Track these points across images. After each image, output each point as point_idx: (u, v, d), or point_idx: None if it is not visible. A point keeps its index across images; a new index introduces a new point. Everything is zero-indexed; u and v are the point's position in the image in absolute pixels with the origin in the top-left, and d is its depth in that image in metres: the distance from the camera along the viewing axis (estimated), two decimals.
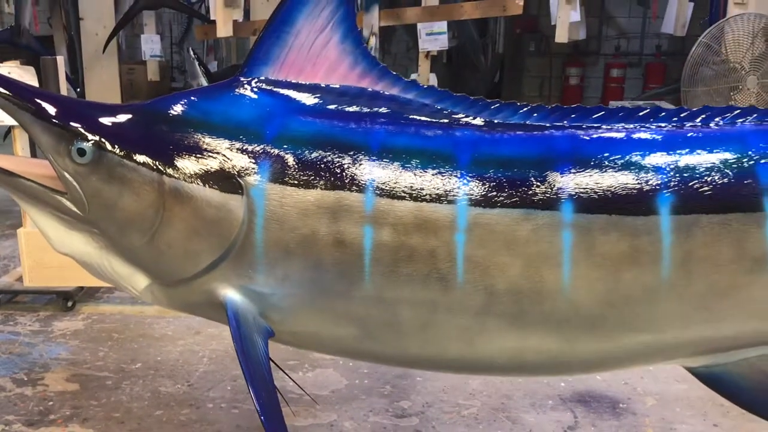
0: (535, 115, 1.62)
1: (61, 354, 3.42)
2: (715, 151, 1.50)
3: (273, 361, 1.83)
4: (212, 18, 5.24)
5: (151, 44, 6.75)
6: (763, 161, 1.47)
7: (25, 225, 3.89)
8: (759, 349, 1.69)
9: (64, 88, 4.02)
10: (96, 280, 3.83)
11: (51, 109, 1.60)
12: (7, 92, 1.60)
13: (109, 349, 3.47)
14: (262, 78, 1.66)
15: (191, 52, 6.39)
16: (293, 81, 1.65)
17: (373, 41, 4.54)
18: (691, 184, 1.47)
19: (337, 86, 1.65)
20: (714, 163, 1.48)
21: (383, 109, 1.61)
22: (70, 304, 3.87)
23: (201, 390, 3.10)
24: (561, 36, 5.44)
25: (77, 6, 6.36)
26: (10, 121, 3.53)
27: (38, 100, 1.61)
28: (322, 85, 1.65)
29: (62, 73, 3.99)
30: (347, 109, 1.61)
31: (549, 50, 7.93)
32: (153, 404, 2.99)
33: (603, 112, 1.61)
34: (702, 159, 1.49)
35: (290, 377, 2.39)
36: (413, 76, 5.86)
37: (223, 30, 4.69)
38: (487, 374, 2.92)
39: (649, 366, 1.92)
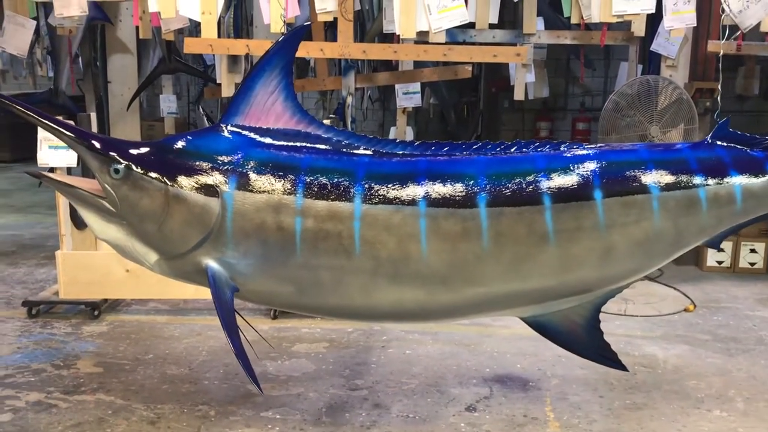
0: (408, 147, 2.48)
1: (89, 348, 4.25)
2: (515, 167, 2.35)
3: (238, 313, 2.65)
4: (218, 81, 6.21)
5: (168, 103, 7.75)
6: (542, 173, 2.32)
7: (62, 248, 4.77)
8: (567, 301, 2.50)
9: None
10: (117, 293, 4.72)
11: (98, 144, 2.48)
12: (72, 134, 2.49)
13: (127, 346, 4.29)
14: (233, 124, 2.53)
15: (201, 110, 7.36)
16: (253, 126, 2.51)
17: (350, 99, 5.44)
18: (498, 188, 2.32)
19: (281, 129, 2.52)
20: (513, 174, 2.33)
21: (309, 144, 2.48)
22: (96, 313, 4.71)
23: (199, 372, 3.91)
24: (519, 94, 6.24)
25: (106, 71, 7.38)
26: (54, 162, 4.48)
27: (90, 139, 2.49)
28: (272, 128, 2.52)
29: (94, 126, 4.93)
30: (287, 143, 2.48)
31: (521, 107, 8.88)
32: (161, 381, 3.80)
33: (451, 146, 2.47)
34: (506, 172, 2.34)
35: (254, 328, 3.12)
36: (392, 129, 6.78)
37: (227, 91, 5.61)
38: (381, 321, 3.83)
39: (494, 314, 2.70)
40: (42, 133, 4.53)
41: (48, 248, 6.50)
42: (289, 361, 4.06)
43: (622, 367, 2.76)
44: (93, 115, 5.01)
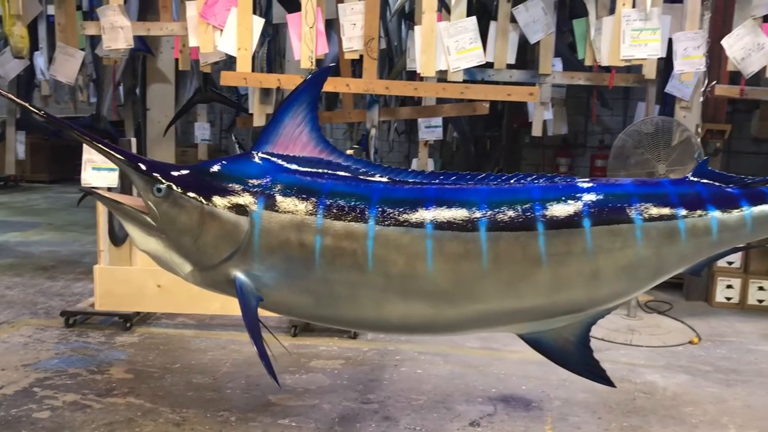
0: (419, 176, 2.77)
1: (121, 357, 4.55)
2: (513, 196, 2.62)
3: (264, 325, 2.93)
4: (251, 111, 6.57)
5: (202, 131, 8.15)
6: (537, 203, 2.58)
7: (99, 263, 5.11)
8: (559, 320, 2.75)
9: None
10: (148, 306, 5.04)
11: (143, 166, 2.80)
12: (121, 156, 2.81)
13: (156, 355, 4.59)
14: (263, 151, 2.83)
15: (233, 137, 7.73)
16: (281, 153, 2.82)
17: (373, 132, 5.76)
18: (497, 214, 2.58)
19: (306, 156, 2.82)
20: (511, 203, 2.60)
21: (331, 171, 2.77)
22: (128, 325, 5.01)
23: (222, 382, 4.18)
24: (536, 131, 6.51)
25: (145, 99, 7.80)
26: (96, 182, 4.81)
27: (137, 161, 2.81)
28: (298, 156, 2.82)
29: (134, 150, 5.28)
30: (310, 169, 2.77)
31: (542, 142, 9.15)
32: (187, 388, 4.08)
33: (458, 176, 2.75)
34: (504, 200, 2.61)
35: (277, 339, 3.39)
36: (414, 161, 7.07)
37: (259, 120, 5.96)
38: (392, 333, 4.14)
39: (493, 330, 2.94)
40: (86, 155, 4.90)
41: (84, 264, 6.86)
42: (306, 375, 4.31)
43: (609, 383, 2.97)
44: (133, 141, 5.38)
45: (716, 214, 2.68)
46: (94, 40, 6.23)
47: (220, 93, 7.94)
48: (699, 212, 2.67)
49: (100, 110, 7.41)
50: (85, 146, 4.84)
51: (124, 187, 5.07)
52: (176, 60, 6.79)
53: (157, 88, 7.77)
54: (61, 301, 5.65)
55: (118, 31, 5.20)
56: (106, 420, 3.65)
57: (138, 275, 5.05)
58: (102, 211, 5.09)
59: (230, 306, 4.88)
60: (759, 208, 2.71)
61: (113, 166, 4.83)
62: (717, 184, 2.76)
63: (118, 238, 5.37)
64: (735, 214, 2.69)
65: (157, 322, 5.22)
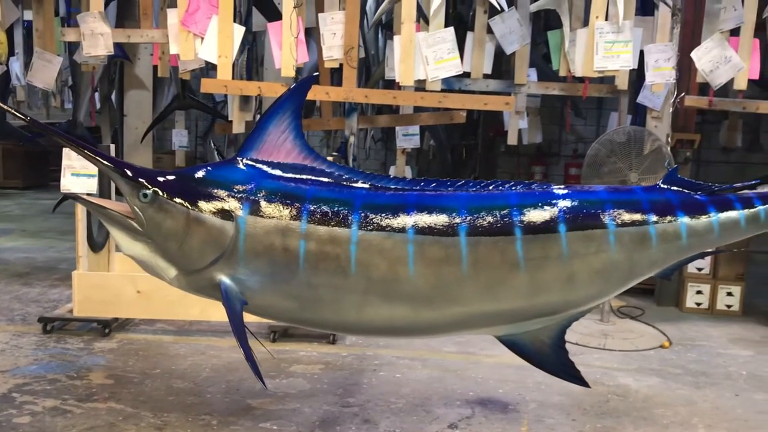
0: (400, 182, 2.84)
1: (100, 362, 4.55)
2: (491, 202, 2.71)
3: (247, 328, 2.98)
4: (230, 118, 6.61)
5: (180, 137, 8.15)
6: (515, 209, 2.68)
7: (78, 269, 5.11)
8: (536, 322, 2.84)
9: None
10: (127, 312, 5.05)
11: (129, 172, 2.84)
12: (108, 162, 2.85)
13: (135, 361, 4.59)
14: (249, 158, 2.89)
15: (212, 144, 7.76)
16: (265, 160, 2.88)
17: (352, 139, 5.83)
18: (476, 220, 2.67)
19: (290, 163, 2.88)
20: (490, 209, 2.69)
21: (314, 177, 2.83)
22: (107, 331, 5.01)
23: (203, 386, 4.21)
24: (512, 139, 6.62)
25: (122, 105, 7.80)
26: (75, 188, 4.82)
27: (123, 167, 2.85)
28: (282, 162, 2.88)
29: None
30: (294, 176, 2.83)
31: (517, 151, 9.30)
32: (168, 393, 4.10)
33: (438, 183, 2.83)
34: (483, 206, 2.70)
35: (261, 342, 3.44)
36: (392, 168, 7.15)
37: (238, 127, 5.99)
38: (374, 335, 4.18)
39: (472, 332, 3.03)
40: (66, 161, 4.90)
41: (60, 270, 6.83)
42: (286, 380, 4.35)
43: (584, 384, 3.07)
44: (112, 146, 5.38)
45: (685, 220, 2.79)
46: (72, 46, 6.22)
47: (198, 100, 7.96)
48: (669, 218, 2.78)
49: (77, 116, 7.38)
50: (64, 152, 4.84)
51: (103, 192, 5.08)
52: (155, 66, 6.81)
53: (135, 94, 7.78)
54: (38, 308, 5.62)
55: (98, 38, 5.21)
56: (88, 425, 3.66)
57: (117, 281, 5.06)
58: (81, 217, 5.09)
59: (210, 312, 4.92)
60: (725, 215, 2.84)
61: (92, 172, 4.91)
62: (686, 191, 2.88)
63: (96, 244, 5.38)
64: (703, 220, 2.81)
65: (135, 328, 5.23)
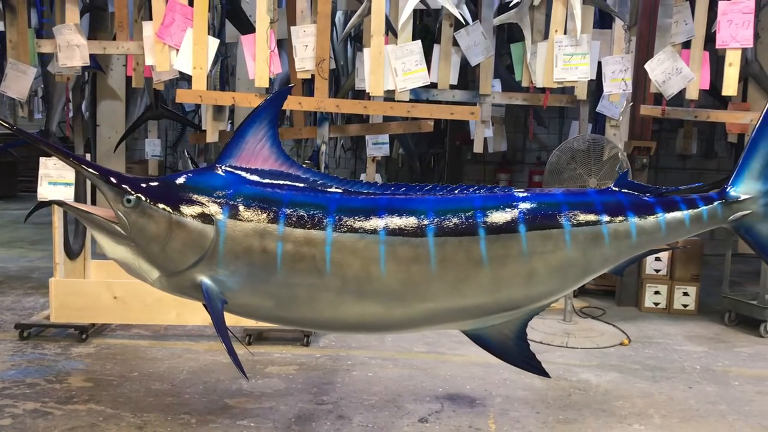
0: (372, 187, 3.03)
1: (78, 366, 4.64)
2: (457, 205, 2.91)
3: (228, 329, 3.12)
4: (203, 128, 6.73)
5: (153, 147, 8.25)
6: (479, 211, 2.88)
7: (55, 276, 5.19)
8: (499, 317, 3.04)
9: None
10: (105, 318, 5.14)
11: (114, 179, 2.98)
12: (94, 171, 2.99)
13: (113, 365, 4.70)
14: (227, 165, 3.05)
15: (186, 153, 7.86)
16: (244, 166, 3.04)
17: (323, 148, 6.00)
18: (443, 221, 2.86)
19: (267, 169, 3.05)
20: (455, 211, 2.89)
21: (290, 182, 3.01)
22: (84, 336, 5.10)
23: (181, 388, 4.33)
24: (478, 147, 6.82)
25: (95, 115, 7.87)
26: (52, 196, 4.91)
27: (108, 175, 2.99)
28: (259, 169, 3.04)
29: None
30: (271, 181, 3.00)
31: (483, 159, 9.56)
32: (146, 395, 4.22)
33: (407, 188, 3.02)
34: (449, 209, 2.90)
35: (241, 341, 3.62)
36: (362, 176, 7.33)
37: (211, 137, 6.12)
38: (348, 332, 4.45)
39: (440, 327, 3.22)
40: (43, 170, 5.00)
41: (34, 279, 6.88)
42: (262, 380, 4.49)
43: (544, 374, 3.27)
44: (87, 155, 5.49)
45: (635, 219, 3.03)
46: (45, 57, 6.29)
47: (171, 109, 8.06)
48: (620, 218, 3.01)
49: (50, 126, 7.40)
50: (41, 161, 4.95)
51: (79, 200, 5.18)
52: (128, 77, 6.90)
53: (108, 104, 7.87)
54: (13, 315, 5.68)
55: (74, 50, 5.32)
56: (69, 425, 3.76)
57: (93, 287, 5.15)
58: (57, 225, 5.18)
59: (186, 316, 5.05)
60: (671, 215, 3.08)
61: (69, 180, 5.01)
62: (636, 193, 3.12)
63: (73, 251, 5.47)
64: (651, 219, 3.04)
65: (112, 333, 5.32)
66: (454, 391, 4.42)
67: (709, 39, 5.40)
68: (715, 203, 3.13)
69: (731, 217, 3.15)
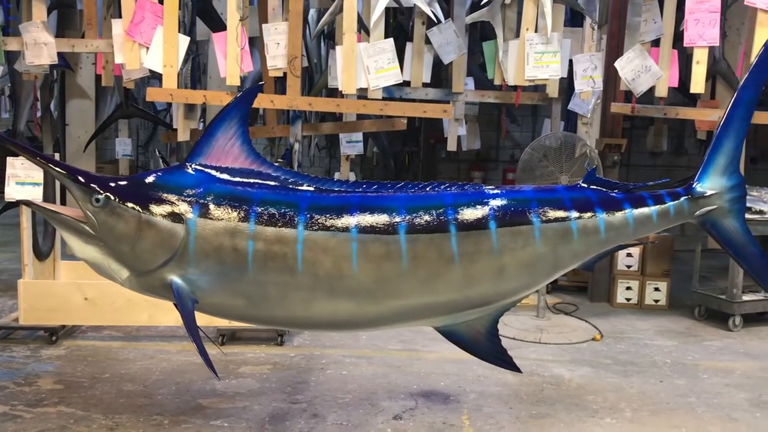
0: (344, 185, 3.03)
1: (48, 369, 4.58)
2: (428, 202, 2.92)
3: (200, 328, 3.10)
4: (174, 126, 6.67)
5: (123, 146, 8.15)
6: (450, 208, 2.89)
7: (24, 277, 5.11)
8: (471, 313, 3.05)
9: None
10: (76, 319, 5.07)
11: (82, 178, 2.94)
12: (62, 170, 2.95)
13: (84, 366, 4.64)
14: (197, 163, 3.02)
15: (157, 153, 7.78)
16: (213, 165, 3.02)
17: (296, 146, 5.97)
18: (415, 218, 2.87)
19: (238, 168, 3.03)
20: (427, 208, 2.89)
21: (261, 180, 2.99)
22: (54, 338, 5.03)
23: (153, 389, 4.29)
24: (451, 145, 6.84)
25: (64, 114, 7.76)
26: (20, 196, 4.83)
27: (76, 173, 2.95)
28: (230, 167, 3.02)
29: None
30: (242, 179, 2.99)
31: (457, 157, 9.60)
32: (118, 396, 4.17)
33: (379, 185, 3.02)
34: (421, 206, 2.90)
35: (214, 341, 3.59)
36: (336, 174, 7.31)
37: (183, 136, 6.08)
38: (320, 330, 4.44)
39: (412, 324, 3.22)
40: (10, 170, 4.92)
41: (2, 281, 6.77)
42: (236, 380, 4.47)
43: (516, 369, 3.29)
44: (57, 155, 5.41)
45: (603, 215, 3.06)
46: (11, 55, 6.18)
47: (142, 108, 7.97)
48: (589, 214, 3.04)
49: (17, 126, 7.29)
50: (8, 161, 4.87)
51: (47, 201, 5.10)
52: (97, 75, 6.81)
53: (77, 103, 7.76)
54: None
55: (41, 47, 5.24)
56: (39, 428, 3.71)
57: (63, 288, 5.08)
58: (26, 225, 5.10)
59: (158, 317, 5.00)
60: (639, 211, 3.11)
61: (37, 180, 4.94)
62: (604, 189, 3.15)
63: (42, 252, 5.39)
64: (619, 215, 3.07)
65: (83, 335, 5.26)
66: (429, 387, 4.44)
67: (678, 37, 5.47)
68: (682, 199, 3.18)
69: (697, 213, 3.19)
